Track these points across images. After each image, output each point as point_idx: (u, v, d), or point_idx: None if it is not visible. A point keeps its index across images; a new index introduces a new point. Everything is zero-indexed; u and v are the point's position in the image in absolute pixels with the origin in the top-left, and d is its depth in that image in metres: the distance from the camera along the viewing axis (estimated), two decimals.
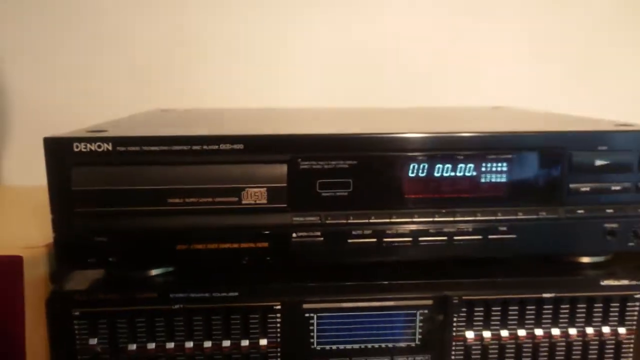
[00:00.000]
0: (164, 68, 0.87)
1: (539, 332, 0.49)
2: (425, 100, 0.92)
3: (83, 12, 0.85)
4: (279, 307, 0.48)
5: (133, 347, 0.47)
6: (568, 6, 0.92)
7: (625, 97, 0.95)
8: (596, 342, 0.50)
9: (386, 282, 0.49)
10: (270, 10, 0.88)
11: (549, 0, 0.91)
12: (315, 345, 0.49)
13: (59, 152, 0.44)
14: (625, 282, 0.50)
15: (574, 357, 0.50)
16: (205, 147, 0.44)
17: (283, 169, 0.45)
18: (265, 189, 0.45)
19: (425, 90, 0.92)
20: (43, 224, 0.47)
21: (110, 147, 0.44)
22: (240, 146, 0.44)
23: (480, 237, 0.47)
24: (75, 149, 0.43)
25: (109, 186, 0.44)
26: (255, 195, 0.45)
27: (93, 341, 0.46)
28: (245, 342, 0.47)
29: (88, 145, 0.43)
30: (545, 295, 0.49)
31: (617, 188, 0.48)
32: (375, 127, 0.52)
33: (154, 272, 0.49)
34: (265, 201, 0.45)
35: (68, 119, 0.85)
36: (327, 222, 0.46)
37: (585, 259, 0.52)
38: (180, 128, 0.55)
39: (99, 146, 0.44)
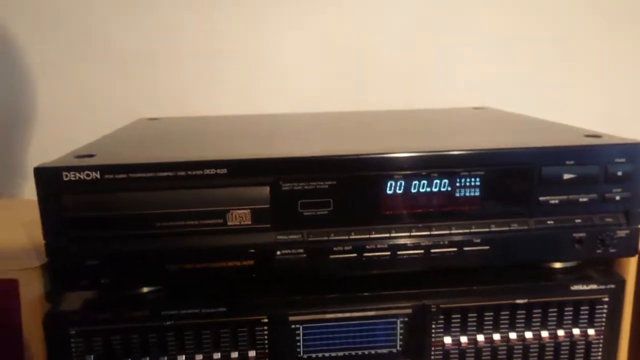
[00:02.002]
0: (149, 71, 0.88)
1: (512, 335, 0.52)
2: (408, 98, 0.93)
3: (68, 18, 0.86)
4: (265, 320, 0.50)
5: None
6: (546, 4, 0.93)
7: (602, 89, 0.97)
8: (567, 344, 0.53)
9: (367, 294, 0.51)
10: (253, 14, 0.89)
11: None
12: (302, 354, 0.51)
13: (49, 181, 0.45)
14: (593, 286, 0.53)
15: (546, 358, 0.53)
16: (189, 172, 0.46)
17: (266, 191, 0.47)
18: (249, 210, 0.47)
19: (409, 88, 0.94)
20: (39, 239, 0.48)
21: (98, 176, 0.45)
22: (224, 170, 0.46)
23: (455, 249, 0.50)
24: (65, 178, 0.45)
25: (99, 212, 0.46)
26: (240, 217, 0.47)
27: (89, 358, 0.48)
28: (234, 354, 0.50)
29: (77, 174, 0.45)
30: (518, 301, 0.52)
31: (585, 199, 0.50)
32: (354, 146, 0.54)
33: (145, 289, 0.51)
34: (249, 222, 0.47)
35: (56, 122, 0.87)
36: (310, 239, 0.48)
37: (557, 265, 0.55)
38: (166, 149, 0.57)
39: (88, 174, 0.45)
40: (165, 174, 0.46)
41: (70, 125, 0.88)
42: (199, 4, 0.87)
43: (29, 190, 0.45)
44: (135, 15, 0.87)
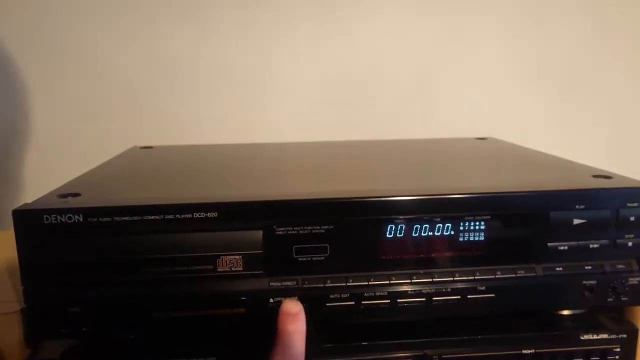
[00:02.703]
0: (145, 97, 0.87)
1: None
2: (412, 126, 0.91)
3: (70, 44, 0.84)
4: None
5: None
6: (552, 30, 0.92)
7: (610, 119, 0.95)
8: None
9: (365, 343, 0.48)
10: (252, 35, 0.87)
11: (534, 23, 0.91)
12: None
13: (28, 223, 0.43)
14: (604, 335, 0.50)
15: None
16: (178, 216, 0.44)
17: (258, 235, 0.45)
18: (240, 256, 0.45)
19: (413, 116, 0.92)
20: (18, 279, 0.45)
21: (81, 219, 0.43)
22: (214, 214, 0.44)
23: (458, 297, 0.47)
24: (46, 221, 0.43)
25: (81, 257, 0.43)
26: (231, 263, 0.45)
27: None
28: None
29: (58, 217, 0.43)
30: (525, 351, 0.49)
31: (595, 245, 0.48)
32: (353, 185, 0.52)
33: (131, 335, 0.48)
34: (241, 268, 0.45)
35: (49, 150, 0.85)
36: (305, 286, 0.46)
37: (565, 311, 0.52)
38: (155, 186, 0.55)
39: (70, 217, 0.43)
40: (152, 217, 0.43)
41: (64, 149, 0.86)
42: (196, 30, 0.86)
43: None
44: (133, 40, 0.85)
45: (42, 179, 0.82)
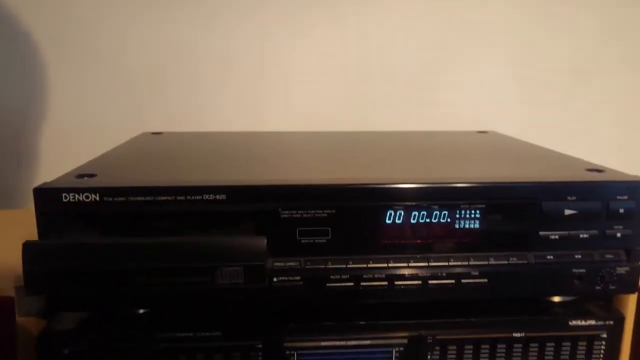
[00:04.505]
0: (155, 85, 0.89)
1: None
2: (415, 118, 0.93)
3: (78, 29, 0.86)
4: (260, 346, 0.50)
5: None
6: (555, 25, 0.93)
7: (613, 114, 0.97)
8: None
9: (363, 323, 0.51)
10: (262, 30, 0.89)
11: (537, 17, 0.93)
12: None
13: (48, 201, 0.45)
14: (592, 322, 0.52)
15: None
16: (189, 197, 0.46)
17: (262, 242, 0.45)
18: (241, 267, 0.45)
19: (416, 108, 0.94)
20: None
21: (97, 198, 0.45)
22: (223, 196, 0.46)
23: (453, 281, 0.50)
24: (64, 199, 0.45)
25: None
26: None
27: None
28: None
29: (76, 195, 0.45)
30: (515, 334, 0.52)
31: (585, 235, 0.50)
32: (355, 172, 0.54)
33: (141, 310, 0.51)
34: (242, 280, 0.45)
35: (63, 134, 0.88)
36: (307, 267, 0.48)
37: (556, 298, 0.54)
38: (167, 170, 0.57)
39: (87, 197, 0.45)
40: (164, 198, 0.46)
41: (77, 135, 0.88)
42: (206, 20, 0.88)
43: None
44: (144, 30, 0.87)
45: (54, 161, 0.85)
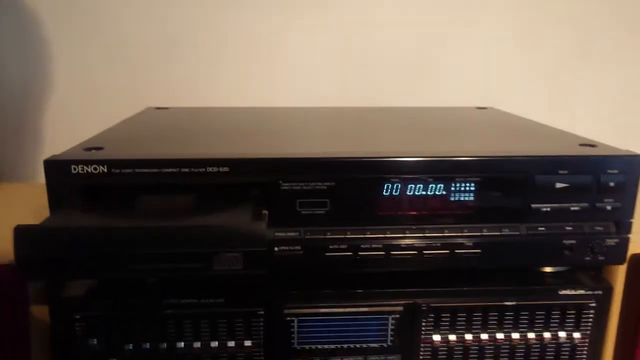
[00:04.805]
0: (159, 60, 0.90)
1: (500, 336, 0.54)
2: (415, 94, 0.94)
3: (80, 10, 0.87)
4: (262, 312, 0.52)
5: (129, 347, 0.51)
6: (556, 5, 0.93)
7: (612, 90, 0.97)
8: (553, 346, 0.55)
9: (361, 291, 0.53)
10: (264, 6, 0.90)
11: None
12: (295, 345, 0.53)
13: (58, 173, 0.47)
14: (581, 291, 0.54)
15: (532, 359, 0.55)
16: (193, 169, 0.48)
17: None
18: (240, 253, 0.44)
19: (416, 84, 0.94)
20: None
21: (105, 170, 0.47)
22: (226, 169, 0.48)
23: (447, 251, 0.51)
24: (73, 171, 0.47)
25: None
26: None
27: (92, 342, 0.51)
28: (231, 343, 0.52)
29: (85, 167, 0.47)
30: (507, 303, 0.54)
31: (576, 208, 0.52)
32: (353, 146, 0.56)
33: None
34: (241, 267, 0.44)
35: (68, 109, 0.89)
36: (307, 237, 0.50)
37: (547, 269, 0.56)
38: (171, 143, 0.59)
39: (95, 168, 0.47)
40: (169, 170, 0.48)
41: (81, 110, 0.90)
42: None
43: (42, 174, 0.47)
44: (148, 7, 0.88)
45: (58, 136, 0.87)
